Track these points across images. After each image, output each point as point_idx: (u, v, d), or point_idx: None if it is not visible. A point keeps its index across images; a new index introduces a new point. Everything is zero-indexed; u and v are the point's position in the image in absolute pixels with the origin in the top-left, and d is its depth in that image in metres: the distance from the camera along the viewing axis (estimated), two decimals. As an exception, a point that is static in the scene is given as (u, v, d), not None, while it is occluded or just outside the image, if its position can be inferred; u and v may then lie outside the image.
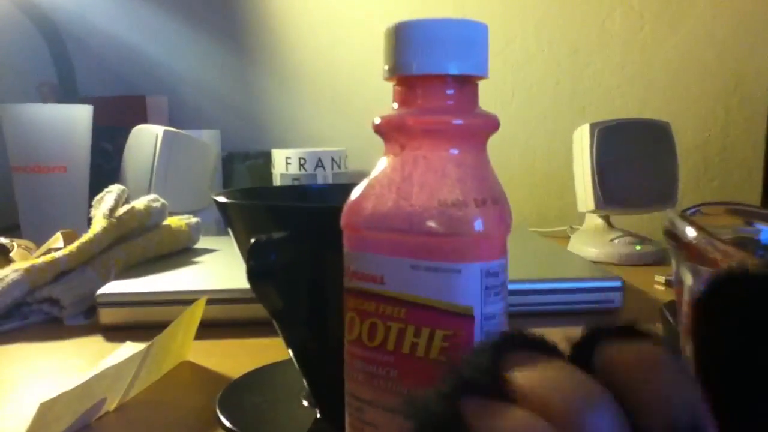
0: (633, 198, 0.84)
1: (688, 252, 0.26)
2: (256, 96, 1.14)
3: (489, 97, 1.06)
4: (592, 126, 0.84)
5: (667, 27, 1.08)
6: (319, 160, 0.98)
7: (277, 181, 1.01)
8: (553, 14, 1.09)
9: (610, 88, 1.09)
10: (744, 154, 1.07)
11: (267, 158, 1.06)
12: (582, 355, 0.17)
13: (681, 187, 0.87)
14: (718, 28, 1.07)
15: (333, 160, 0.98)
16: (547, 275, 0.61)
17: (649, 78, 1.09)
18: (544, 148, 1.10)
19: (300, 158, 0.98)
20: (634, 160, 0.84)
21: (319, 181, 0.97)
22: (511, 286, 0.60)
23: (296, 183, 0.98)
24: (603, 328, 0.17)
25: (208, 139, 1.01)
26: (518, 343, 0.17)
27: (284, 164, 0.99)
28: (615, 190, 0.84)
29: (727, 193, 1.08)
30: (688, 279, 0.26)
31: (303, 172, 0.98)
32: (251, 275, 0.30)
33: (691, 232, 0.25)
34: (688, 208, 0.29)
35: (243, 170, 1.08)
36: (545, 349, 0.17)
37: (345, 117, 1.12)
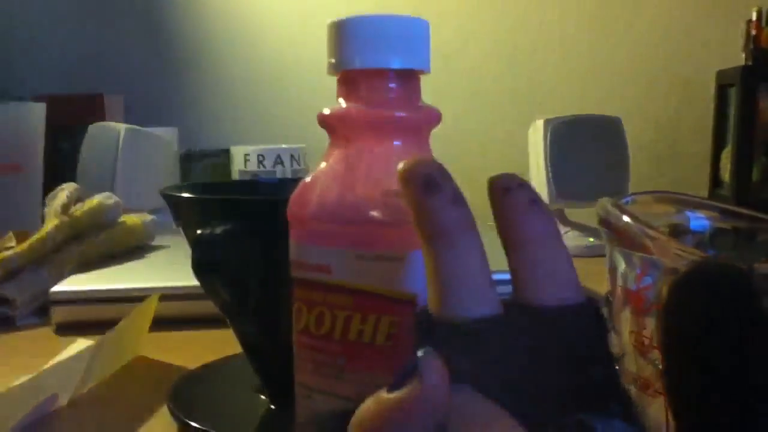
0: (586, 192, 0.86)
1: (621, 238, 0.27)
2: (213, 93, 1.13)
3: (448, 94, 1.07)
4: (546, 122, 0.86)
5: (620, 28, 1.10)
6: (278, 156, 0.98)
7: (236, 178, 1.01)
8: (510, 15, 1.10)
9: (565, 87, 1.12)
10: (692, 149, 1.11)
11: (225, 156, 1.05)
12: None
13: (633, 181, 0.89)
14: (667, 28, 1.10)
15: (292, 156, 0.98)
16: (500, 267, 0.62)
17: (602, 77, 1.11)
18: (501, 143, 1.12)
19: (259, 155, 0.98)
20: (586, 155, 0.86)
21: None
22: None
23: (255, 180, 0.98)
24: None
25: (166, 136, 1.00)
26: None
27: (243, 161, 0.98)
28: (568, 184, 0.85)
29: (676, 187, 1.11)
30: (621, 264, 0.28)
31: (262, 169, 0.98)
32: (197, 268, 0.30)
33: (623, 220, 0.26)
34: (622, 197, 0.31)
35: (201, 168, 1.08)
36: None
37: (304, 113, 1.12)
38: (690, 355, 0.17)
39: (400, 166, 0.20)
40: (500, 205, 0.20)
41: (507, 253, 0.20)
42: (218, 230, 0.30)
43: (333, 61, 0.25)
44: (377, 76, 0.25)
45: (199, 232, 0.29)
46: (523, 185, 0.20)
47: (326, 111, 0.26)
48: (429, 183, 0.19)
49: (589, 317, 0.19)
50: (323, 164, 0.25)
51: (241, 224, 0.31)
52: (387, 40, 0.24)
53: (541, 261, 0.19)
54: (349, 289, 0.24)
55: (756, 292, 0.17)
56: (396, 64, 0.25)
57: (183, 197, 0.33)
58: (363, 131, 0.25)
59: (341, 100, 0.25)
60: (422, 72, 0.26)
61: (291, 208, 0.25)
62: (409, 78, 0.25)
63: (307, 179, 0.25)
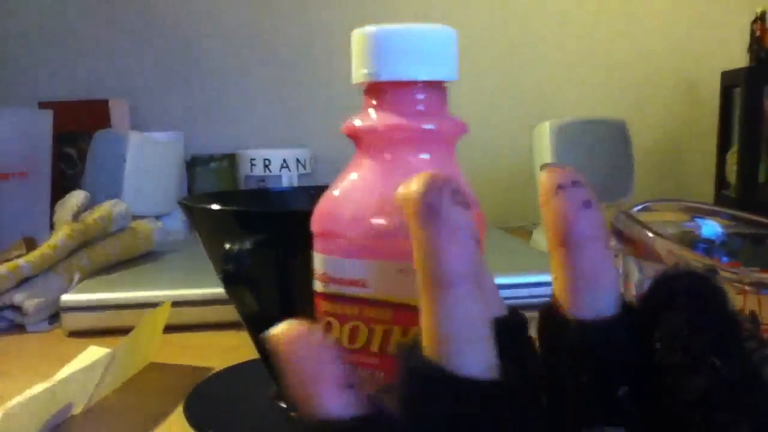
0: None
1: (633, 248, 0.27)
2: (219, 98, 1.14)
3: (452, 98, 1.07)
4: (551, 124, 0.86)
5: (624, 29, 1.10)
6: (284, 161, 0.98)
7: (242, 183, 1.01)
8: (514, 17, 1.11)
9: (569, 89, 1.12)
10: (697, 152, 1.11)
11: (231, 160, 1.06)
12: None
13: (638, 183, 0.89)
14: (671, 30, 1.10)
15: (298, 161, 0.99)
16: (507, 270, 0.62)
17: (606, 79, 1.11)
18: (506, 145, 1.12)
19: (265, 159, 0.98)
20: (591, 158, 0.86)
21: (284, 182, 0.98)
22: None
23: (261, 184, 0.98)
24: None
25: (172, 141, 1.01)
26: None
27: (249, 166, 0.99)
28: (574, 186, 0.86)
29: (681, 189, 1.11)
30: (635, 273, 0.28)
31: (268, 173, 0.98)
32: (227, 280, 0.30)
33: (635, 229, 0.27)
34: (637, 205, 0.31)
35: (207, 172, 1.08)
36: None
37: (310, 118, 1.12)
38: (661, 362, 0.17)
39: (399, 190, 0.18)
40: (550, 202, 0.19)
41: (550, 255, 0.19)
42: (249, 242, 0.30)
43: (361, 71, 0.25)
44: (404, 87, 0.25)
45: (228, 245, 0.29)
46: (578, 183, 0.19)
47: (354, 122, 0.25)
48: (429, 212, 0.17)
49: (619, 330, 0.18)
50: (351, 176, 0.25)
51: (271, 236, 0.31)
52: (415, 51, 0.24)
53: (581, 269, 0.18)
54: (389, 303, 0.23)
55: (721, 295, 0.17)
56: (423, 76, 0.24)
57: (209, 209, 0.33)
58: (393, 143, 0.25)
59: (372, 111, 0.25)
60: (449, 82, 0.26)
61: (319, 221, 0.25)
62: (438, 89, 0.25)
63: (335, 192, 0.25)
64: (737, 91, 0.91)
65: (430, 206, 0.17)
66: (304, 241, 0.25)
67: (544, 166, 0.20)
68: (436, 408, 0.16)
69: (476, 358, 0.17)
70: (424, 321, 0.17)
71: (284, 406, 0.38)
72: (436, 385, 0.17)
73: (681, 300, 0.17)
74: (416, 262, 0.17)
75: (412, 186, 0.17)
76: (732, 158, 0.91)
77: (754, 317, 0.19)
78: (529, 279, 0.61)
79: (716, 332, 0.16)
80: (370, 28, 0.24)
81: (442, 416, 0.16)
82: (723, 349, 0.16)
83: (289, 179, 0.98)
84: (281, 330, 0.17)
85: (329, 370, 0.16)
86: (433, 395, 0.16)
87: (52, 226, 0.67)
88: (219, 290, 0.36)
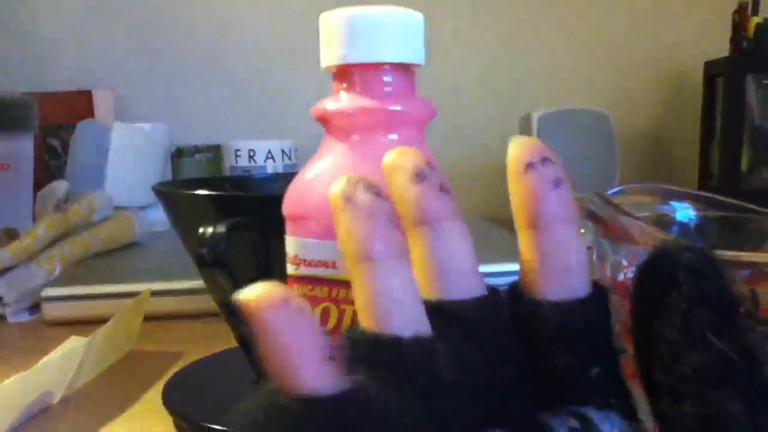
0: (575, 184, 0.86)
1: (607, 230, 0.27)
2: (204, 89, 1.13)
3: (434, 89, 1.07)
4: (536, 115, 0.87)
5: (607, 19, 1.11)
6: (269, 152, 0.98)
7: (227, 174, 1.01)
8: (499, 8, 1.11)
9: (553, 80, 1.12)
10: (681, 142, 1.12)
11: (216, 152, 1.05)
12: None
13: (622, 174, 0.90)
14: (655, 20, 1.11)
15: (283, 152, 0.98)
16: (492, 260, 0.62)
17: (591, 69, 1.12)
18: (493, 137, 1.12)
19: (250, 150, 0.97)
20: (575, 148, 0.87)
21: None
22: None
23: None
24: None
25: (156, 132, 1.00)
26: None
27: (234, 157, 0.98)
28: (558, 176, 0.86)
29: (665, 179, 1.11)
30: (609, 256, 0.28)
31: (253, 164, 0.98)
32: (202, 264, 0.29)
33: (609, 212, 0.27)
34: (611, 189, 0.31)
35: (192, 164, 1.07)
36: None
37: (295, 109, 1.12)
38: (659, 335, 0.17)
39: (386, 157, 0.19)
40: (518, 181, 0.19)
41: (518, 235, 0.19)
42: (223, 225, 0.29)
43: (327, 54, 0.25)
44: (372, 69, 0.25)
45: (201, 229, 0.29)
46: (547, 161, 0.19)
47: (323, 105, 0.25)
48: (416, 172, 0.18)
49: (593, 311, 0.18)
50: (322, 159, 0.25)
51: (245, 219, 0.30)
52: (382, 33, 0.24)
53: (551, 251, 0.19)
54: None
55: (722, 271, 0.17)
56: (392, 58, 0.24)
57: (183, 193, 0.33)
58: (361, 125, 0.25)
59: (340, 94, 0.25)
60: (417, 66, 0.26)
61: (290, 204, 0.25)
62: (406, 71, 0.25)
63: (306, 175, 0.25)
64: (720, 80, 0.91)
65: (344, 195, 0.18)
66: (279, 225, 0.25)
67: (512, 140, 0.19)
68: (368, 370, 0.16)
69: (401, 328, 0.17)
70: (415, 262, 0.18)
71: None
72: (365, 348, 0.17)
73: (681, 274, 0.17)
74: (341, 249, 0.18)
75: (401, 154, 0.19)
76: (716, 148, 0.92)
77: (754, 295, 0.19)
78: (517, 268, 0.61)
79: (715, 309, 0.16)
80: (337, 12, 0.24)
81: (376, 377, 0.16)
82: (721, 326, 0.16)
83: (274, 170, 0.97)
84: (258, 294, 0.15)
85: (314, 340, 0.15)
86: (363, 358, 0.17)
87: (34, 217, 0.67)
88: (199, 281, 0.36)
